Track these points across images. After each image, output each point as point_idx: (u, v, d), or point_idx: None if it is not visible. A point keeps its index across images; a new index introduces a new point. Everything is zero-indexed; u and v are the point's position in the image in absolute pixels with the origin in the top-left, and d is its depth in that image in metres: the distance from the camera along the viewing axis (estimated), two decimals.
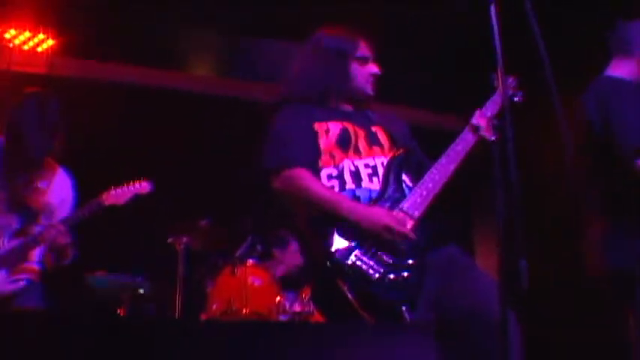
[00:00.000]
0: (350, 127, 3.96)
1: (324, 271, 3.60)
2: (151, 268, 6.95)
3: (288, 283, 7.37)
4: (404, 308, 3.48)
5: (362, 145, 3.91)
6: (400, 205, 3.69)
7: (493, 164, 3.09)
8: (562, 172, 4.73)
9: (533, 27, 3.18)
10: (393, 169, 3.82)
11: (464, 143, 3.87)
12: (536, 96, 3.86)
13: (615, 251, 4.29)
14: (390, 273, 3.53)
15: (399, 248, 3.58)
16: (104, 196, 5.21)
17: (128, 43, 8.71)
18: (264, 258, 7.61)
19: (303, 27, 8.40)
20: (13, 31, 8.46)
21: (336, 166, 3.82)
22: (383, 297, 3.52)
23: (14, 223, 4.89)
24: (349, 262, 3.52)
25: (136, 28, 8.51)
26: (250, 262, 7.14)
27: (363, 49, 4.13)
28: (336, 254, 3.56)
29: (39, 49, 8.64)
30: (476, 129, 3.87)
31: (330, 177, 3.82)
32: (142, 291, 6.61)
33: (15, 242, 4.85)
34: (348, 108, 4.14)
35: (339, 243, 3.58)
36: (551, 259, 7.19)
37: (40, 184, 5.01)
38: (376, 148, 3.94)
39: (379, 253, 3.57)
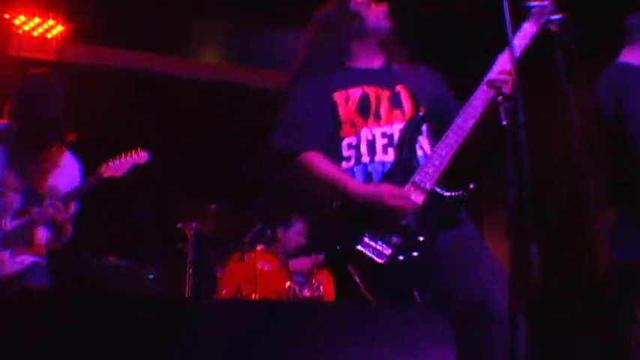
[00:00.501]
0: (372, 91, 3.85)
1: (335, 257, 3.59)
2: (161, 253, 6.95)
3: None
4: (416, 293, 3.46)
5: (384, 109, 3.81)
6: (412, 177, 3.58)
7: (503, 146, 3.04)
8: (569, 158, 4.67)
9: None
10: (409, 136, 3.72)
11: (482, 97, 3.68)
12: (544, 81, 3.82)
13: (622, 243, 4.26)
14: (399, 254, 3.45)
15: (407, 226, 3.50)
16: (102, 168, 5.16)
17: (138, 30, 8.70)
18: (272, 242, 7.64)
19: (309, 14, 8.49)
20: (22, 17, 8.48)
21: (356, 135, 3.76)
22: (391, 282, 3.46)
23: (17, 203, 4.88)
24: (357, 247, 3.46)
25: (145, 15, 8.50)
26: (260, 247, 7.16)
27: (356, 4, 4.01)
28: (346, 239, 3.51)
29: (48, 35, 8.65)
30: (492, 84, 3.60)
31: (350, 146, 3.76)
32: (151, 276, 6.62)
33: (17, 222, 4.84)
34: (375, 64, 4.01)
35: (349, 227, 3.54)
36: (555, 255, 7.18)
37: (47, 167, 5.00)
38: (397, 112, 3.82)
39: (388, 234, 3.48)
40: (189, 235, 6.93)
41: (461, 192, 3.57)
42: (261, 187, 7.74)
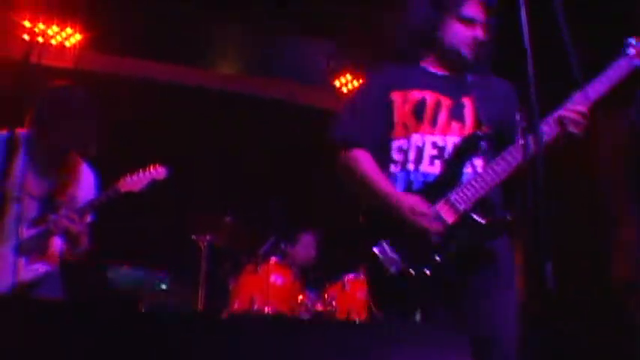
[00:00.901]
0: (432, 97, 3.76)
1: (356, 255, 3.60)
2: (174, 264, 6.95)
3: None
4: (418, 311, 3.43)
5: (442, 117, 3.72)
6: (449, 194, 3.53)
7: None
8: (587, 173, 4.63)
9: (564, 31, 3.12)
10: (461, 153, 3.63)
11: (548, 129, 3.51)
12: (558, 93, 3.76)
13: None
14: (411, 268, 3.42)
15: (428, 241, 3.46)
16: (120, 182, 5.16)
17: (155, 40, 8.73)
18: (286, 256, 7.63)
19: (331, 26, 8.50)
20: (42, 25, 8.50)
21: (407, 138, 3.71)
22: (395, 293, 3.45)
23: (34, 212, 4.89)
24: (375, 250, 3.46)
25: (163, 25, 8.52)
26: (273, 260, 7.14)
27: (471, 8, 3.76)
28: (368, 241, 3.52)
29: (67, 44, 8.68)
30: (561, 121, 3.51)
31: (399, 149, 3.72)
32: (163, 286, 6.61)
33: (33, 230, 4.85)
34: (441, 72, 3.87)
35: (376, 230, 3.54)
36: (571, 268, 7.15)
37: (65, 177, 5.01)
38: (455, 125, 3.72)
39: (407, 245, 3.46)
40: (202, 247, 6.92)
41: (496, 221, 3.48)
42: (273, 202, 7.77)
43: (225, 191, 8.47)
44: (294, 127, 9.37)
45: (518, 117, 3.51)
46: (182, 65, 9.35)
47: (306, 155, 9.14)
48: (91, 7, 8.40)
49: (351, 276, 7.14)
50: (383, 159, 3.73)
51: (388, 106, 3.77)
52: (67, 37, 8.67)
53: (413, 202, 3.50)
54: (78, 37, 8.70)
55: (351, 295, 7.02)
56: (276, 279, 6.99)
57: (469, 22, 3.76)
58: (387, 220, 3.52)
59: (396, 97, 3.77)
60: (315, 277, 7.65)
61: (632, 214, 4.42)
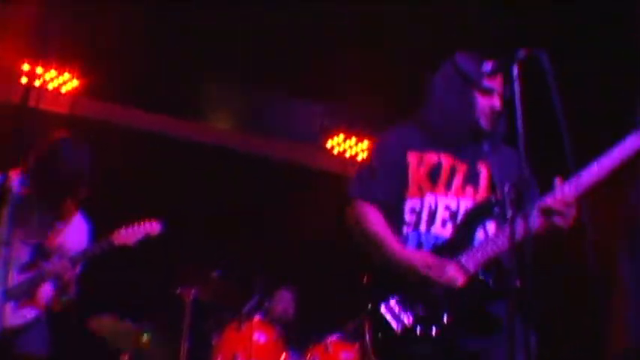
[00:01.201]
0: (448, 161, 3.79)
1: (363, 311, 3.58)
2: (158, 316, 6.91)
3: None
4: None
5: (456, 181, 3.76)
6: (459, 257, 3.53)
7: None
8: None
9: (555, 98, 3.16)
10: (473, 217, 3.65)
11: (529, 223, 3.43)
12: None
13: None
14: (418, 326, 3.42)
15: (435, 300, 3.46)
16: (114, 235, 5.17)
17: (151, 90, 8.77)
18: (270, 315, 7.61)
19: (324, 87, 8.58)
20: (40, 69, 8.54)
21: (420, 200, 3.73)
22: (399, 353, 3.44)
23: (25, 257, 4.88)
24: (381, 307, 3.48)
25: (160, 76, 8.57)
26: (257, 318, 7.12)
27: (491, 79, 3.80)
28: (377, 296, 3.53)
29: (63, 90, 8.71)
30: (546, 212, 3.47)
31: (412, 210, 3.74)
32: (146, 338, 6.55)
33: (23, 276, 4.84)
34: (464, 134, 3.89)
35: (382, 287, 3.55)
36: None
37: (57, 225, 5.01)
38: (469, 189, 3.76)
39: (415, 303, 3.47)
40: (187, 301, 6.88)
41: (504, 287, 3.42)
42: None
43: (212, 246, 8.46)
44: (284, 185, 9.40)
45: (507, 188, 3.50)
46: (175, 117, 9.38)
47: (294, 214, 9.17)
48: (89, 54, 8.45)
49: (334, 337, 7.12)
50: (395, 219, 3.75)
51: (404, 166, 3.80)
52: (64, 82, 8.71)
53: (425, 256, 3.52)
54: (75, 83, 8.73)
55: (334, 357, 6.98)
56: (259, 337, 6.97)
57: (488, 92, 3.81)
58: (395, 278, 3.53)
59: (411, 157, 3.81)
60: (298, 336, 7.61)
61: (624, 274, 4.45)
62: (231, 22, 7.78)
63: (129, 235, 5.21)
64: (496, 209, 3.66)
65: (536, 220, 3.45)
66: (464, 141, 3.85)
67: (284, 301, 8.18)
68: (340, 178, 9.83)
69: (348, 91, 8.63)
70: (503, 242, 3.45)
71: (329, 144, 9.93)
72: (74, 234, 5.09)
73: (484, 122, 3.81)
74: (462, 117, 3.81)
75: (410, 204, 3.75)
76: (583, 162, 3.48)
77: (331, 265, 8.93)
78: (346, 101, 9.36)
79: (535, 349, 3.03)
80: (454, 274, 3.49)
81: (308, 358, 7.01)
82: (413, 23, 7.40)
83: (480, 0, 6.99)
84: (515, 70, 3.30)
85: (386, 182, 3.79)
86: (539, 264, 2.98)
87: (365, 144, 9.88)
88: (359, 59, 7.91)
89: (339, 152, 9.98)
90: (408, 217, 3.74)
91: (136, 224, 5.27)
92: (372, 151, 4.00)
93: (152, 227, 5.34)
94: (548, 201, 3.47)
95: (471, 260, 3.51)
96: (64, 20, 7.94)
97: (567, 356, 5.91)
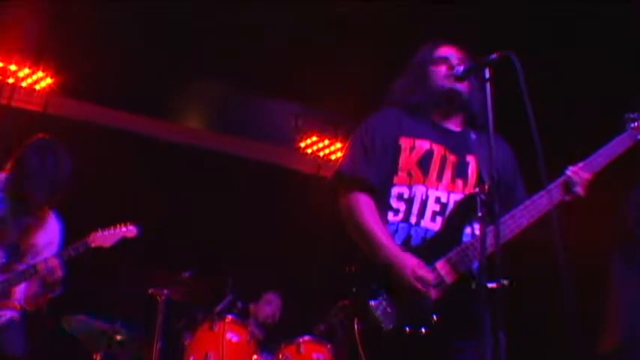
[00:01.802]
0: (439, 150, 3.82)
1: (349, 300, 3.59)
2: (131, 316, 6.92)
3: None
4: None
5: (447, 174, 3.78)
6: (449, 253, 3.55)
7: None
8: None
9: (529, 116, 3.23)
10: (462, 212, 3.66)
11: (549, 198, 3.62)
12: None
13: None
14: (407, 326, 3.43)
15: (424, 302, 3.46)
16: (91, 237, 5.19)
17: (125, 89, 8.75)
18: (244, 315, 7.61)
19: (298, 87, 8.60)
20: (13, 67, 8.50)
21: (409, 187, 3.74)
22: (389, 351, 3.44)
23: (1, 259, 4.88)
24: (371, 304, 3.47)
25: (134, 75, 8.55)
26: (229, 317, 7.13)
27: (442, 50, 3.96)
28: (365, 290, 3.52)
29: (37, 87, 8.67)
30: (568, 185, 3.67)
31: (400, 197, 3.74)
32: (119, 337, 6.56)
33: (1, 277, 4.85)
34: (453, 127, 3.95)
35: (374, 280, 3.54)
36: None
37: (31, 225, 5.01)
38: (459, 182, 3.78)
39: (404, 302, 3.47)
40: (159, 301, 6.89)
41: (494, 285, 3.31)
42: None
43: (186, 247, 8.47)
44: (257, 185, 9.42)
45: (477, 189, 3.56)
46: (149, 117, 9.37)
47: (269, 214, 9.20)
48: (64, 52, 8.41)
49: (306, 337, 7.14)
50: (381, 202, 3.74)
51: (395, 150, 3.80)
52: (38, 80, 8.67)
53: (415, 264, 3.49)
54: (49, 80, 8.69)
55: (306, 357, 7.00)
56: (232, 337, 6.98)
57: (443, 60, 3.93)
58: (385, 275, 3.51)
59: (403, 142, 3.81)
60: (272, 336, 7.65)
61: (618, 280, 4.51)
62: (205, 22, 7.79)
63: (105, 237, 5.23)
64: (481, 208, 3.54)
65: (557, 194, 3.63)
66: (448, 112, 3.94)
67: (272, 304, 8.21)
68: (314, 179, 9.90)
69: (321, 91, 8.65)
70: (490, 241, 3.38)
71: (302, 144, 9.96)
72: (47, 233, 5.09)
73: (453, 85, 3.86)
74: (418, 90, 3.93)
75: (397, 190, 3.75)
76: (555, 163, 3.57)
77: (305, 264, 8.98)
78: (320, 102, 9.39)
79: (504, 348, 3.05)
80: (444, 274, 3.51)
81: (280, 358, 7.02)
82: (387, 25, 7.44)
83: (453, 1, 7.02)
84: (487, 73, 3.37)
85: (378, 165, 3.78)
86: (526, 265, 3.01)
87: (338, 145, 9.91)
88: (332, 60, 7.94)
89: (312, 152, 10.01)
90: (394, 203, 3.74)
91: (112, 227, 5.30)
92: (364, 130, 3.91)
93: (129, 230, 5.38)
94: (569, 174, 3.67)
95: (461, 259, 3.53)
96: (39, 18, 7.91)
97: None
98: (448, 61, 3.90)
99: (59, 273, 4.88)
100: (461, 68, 3.78)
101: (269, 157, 9.96)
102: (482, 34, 6.57)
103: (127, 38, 8.03)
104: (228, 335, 6.96)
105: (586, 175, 3.67)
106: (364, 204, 3.72)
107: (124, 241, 5.45)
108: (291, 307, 8.31)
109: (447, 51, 3.95)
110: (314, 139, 9.93)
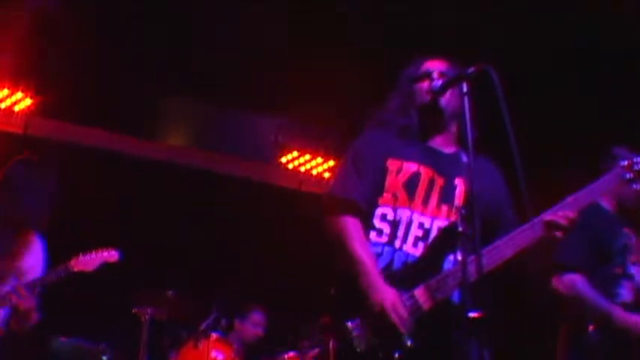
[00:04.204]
0: (427, 173, 3.77)
1: (327, 318, 3.60)
2: (116, 336, 6.91)
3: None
4: None
5: (433, 198, 3.73)
6: (428, 280, 3.51)
7: None
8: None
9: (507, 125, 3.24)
10: (445, 240, 3.62)
11: (529, 235, 3.57)
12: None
13: None
14: (380, 350, 3.41)
15: (399, 330, 3.42)
16: (72, 262, 5.19)
17: (105, 109, 8.73)
18: (228, 332, 7.62)
19: (278, 102, 8.63)
20: None
21: (394, 209, 3.71)
22: None
23: None
24: (348, 324, 3.45)
25: (114, 94, 8.54)
26: (214, 335, 7.14)
27: (427, 65, 3.90)
28: (342, 310, 3.52)
29: (16, 108, 8.64)
30: (549, 225, 3.54)
31: (383, 218, 3.72)
32: (105, 358, 6.55)
33: None
34: (442, 146, 3.89)
35: (352, 303, 3.52)
36: None
37: (13, 247, 5.00)
38: (444, 208, 3.73)
39: (380, 327, 3.43)
40: (144, 320, 6.89)
41: (471, 315, 3.29)
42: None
43: (169, 265, 8.45)
44: (239, 202, 9.42)
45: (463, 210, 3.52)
46: (129, 135, 9.36)
47: (250, 230, 9.20)
48: (43, 73, 8.39)
49: (291, 354, 7.15)
50: (365, 222, 3.72)
51: (382, 172, 3.76)
52: (17, 101, 8.63)
53: (396, 301, 3.46)
54: (28, 101, 8.65)
55: None
56: (216, 355, 7.00)
57: (425, 76, 3.86)
58: (364, 300, 3.48)
59: (391, 164, 3.77)
60: (256, 353, 7.65)
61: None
62: (184, 38, 7.81)
63: (87, 262, 5.24)
64: (462, 240, 3.53)
65: (536, 232, 3.54)
66: (436, 131, 3.88)
67: (258, 327, 8.19)
68: (295, 194, 9.91)
69: (302, 106, 8.66)
70: (475, 271, 3.33)
71: (284, 159, 9.96)
72: (30, 256, 5.08)
73: (433, 100, 3.80)
74: (406, 109, 3.87)
75: (381, 210, 3.72)
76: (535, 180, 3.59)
77: (287, 279, 8.98)
78: (300, 117, 9.40)
79: None
80: (421, 300, 3.48)
81: None
82: (369, 38, 7.47)
83: (438, 15, 7.05)
84: (465, 87, 3.36)
85: (366, 186, 3.75)
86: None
87: (319, 160, 9.91)
88: (313, 75, 7.95)
89: (293, 168, 10.01)
90: (378, 223, 3.72)
91: (94, 251, 5.30)
92: (353, 153, 3.89)
93: (110, 255, 5.39)
94: (551, 215, 3.55)
95: (440, 286, 3.50)
96: (17, 38, 7.89)
97: None
98: (430, 75, 3.84)
99: (27, 303, 4.86)
100: (439, 82, 3.74)
101: (250, 173, 9.94)
102: (462, 43, 6.62)
103: (106, 57, 8.02)
104: (213, 353, 6.98)
105: (572, 215, 3.56)
106: (352, 227, 3.69)
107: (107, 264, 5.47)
108: (275, 322, 8.30)
109: (430, 65, 3.89)
110: (295, 154, 9.92)
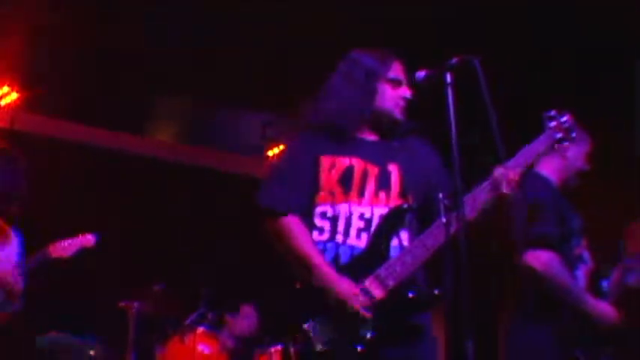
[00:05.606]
0: (359, 165, 3.72)
1: (287, 328, 3.58)
2: (102, 330, 6.92)
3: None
4: None
5: (369, 187, 3.69)
6: (378, 270, 3.49)
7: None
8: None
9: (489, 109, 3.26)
10: (387, 226, 3.61)
11: (479, 199, 3.57)
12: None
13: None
14: (342, 346, 3.39)
15: (358, 321, 3.41)
16: (50, 248, 5.22)
17: (92, 104, 8.73)
18: (216, 326, 7.62)
19: (266, 97, 8.64)
20: None
21: (332, 206, 3.67)
22: None
23: None
24: (305, 325, 3.42)
25: (101, 90, 8.53)
26: (200, 329, 7.15)
27: (397, 70, 3.84)
28: (299, 314, 3.48)
29: (2, 103, 8.63)
30: (496, 184, 3.56)
31: (323, 215, 3.68)
32: (92, 352, 6.56)
33: None
34: (370, 137, 3.85)
35: (305, 304, 3.49)
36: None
37: None
38: (382, 195, 3.69)
39: (338, 323, 3.43)
40: (130, 314, 6.90)
41: (423, 296, 3.45)
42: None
43: (156, 259, 8.46)
44: (228, 196, 9.42)
45: (440, 195, 3.49)
46: (117, 131, 9.36)
47: (237, 224, 9.20)
48: (30, 67, 8.38)
49: (278, 347, 7.16)
50: (305, 222, 3.68)
51: (315, 170, 3.73)
52: (3, 95, 8.62)
53: (353, 288, 3.45)
54: (14, 95, 8.65)
55: None
56: (203, 348, 7.01)
57: (397, 83, 3.81)
58: (319, 297, 3.46)
59: (323, 161, 3.74)
60: (245, 347, 7.66)
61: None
62: (172, 34, 7.80)
63: (64, 247, 5.26)
64: (408, 216, 3.67)
65: (489, 194, 3.55)
66: (372, 128, 3.85)
67: (249, 319, 8.19)
68: None
69: (289, 100, 8.66)
70: (422, 253, 3.47)
71: (271, 153, 9.96)
72: (6, 248, 5.06)
73: (398, 113, 3.80)
74: (363, 105, 3.79)
75: (320, 209, 3.69)
76: None
77: (276, 273, 8.97)
78: (288, 110, 9.40)
79: (472, 356, 3.07)
80: (373, 290, 3.46)
81: None
82: (352, 33, 7.47)
83: (410, 13, 7.06)
84: (449, 78, 3.36)
85: (298, 188, 3.72)
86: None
87: None
88: (300, 69, 7.95)
89: None
90: (318, 222, 3.69)
91: (71, 237, 5.32)
92: (282, 158, 3.90)
93: (87, 240, 5.42)
94: (496, 174, 3.55)
95: (390, 274, 3.48)
96: (3, 33, 7.88)
97: None
98: (400, 85, 3.82)
99: (19, 285, 4.86)
100: (422, 74, 3.63)
101: (238, 168, 9.95)
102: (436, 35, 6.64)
103: (94, 52, 8.01)
104: (200, 347, 6.99)
105: (512, 176, 3.56)
106: (293, 225, 3.65)
107: (95, 255, 5.47)
108: (265, 316, 8.32)
109: (400, 73, 3.85)
110: (282, 148, 9.92)
